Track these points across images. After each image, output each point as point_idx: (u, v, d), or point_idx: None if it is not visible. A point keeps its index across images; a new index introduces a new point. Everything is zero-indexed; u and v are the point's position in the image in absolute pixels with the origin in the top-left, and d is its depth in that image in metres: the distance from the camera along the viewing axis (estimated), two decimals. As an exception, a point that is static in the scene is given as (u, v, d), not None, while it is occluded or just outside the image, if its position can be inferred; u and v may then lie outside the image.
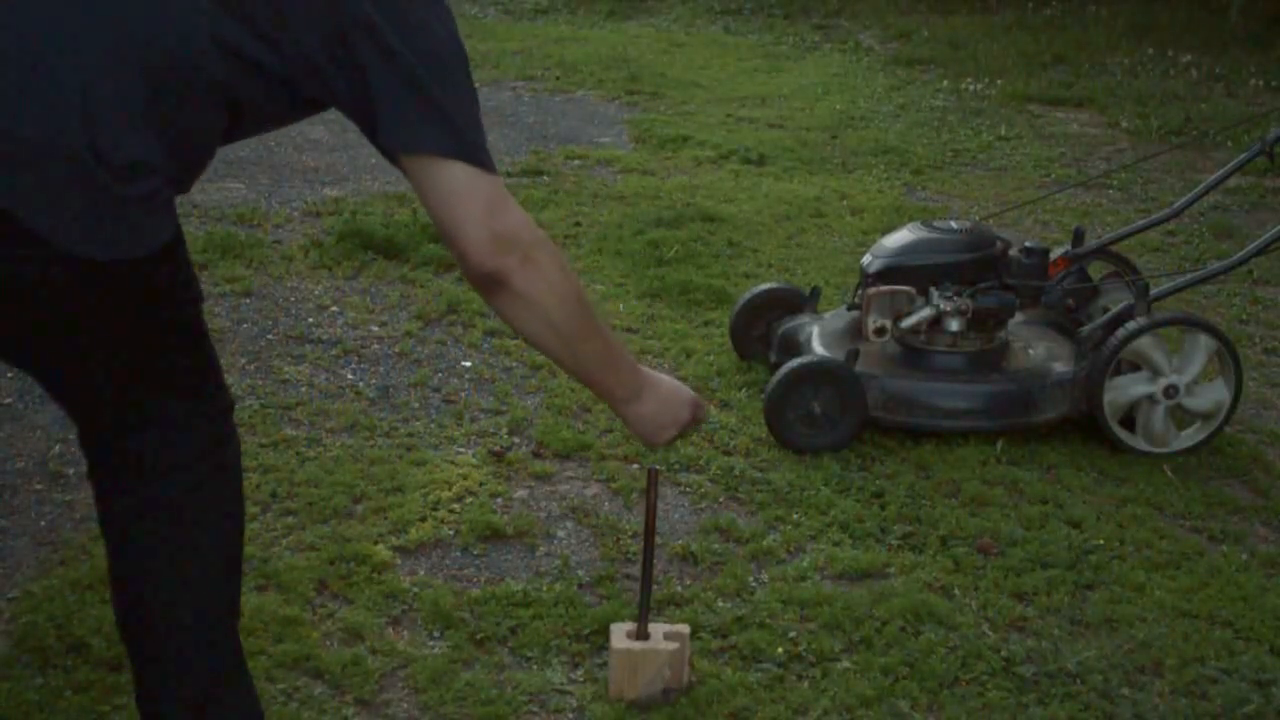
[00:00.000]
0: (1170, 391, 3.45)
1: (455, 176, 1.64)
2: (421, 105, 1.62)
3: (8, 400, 3.45)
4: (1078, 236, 3.80)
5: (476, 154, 1.66)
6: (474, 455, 3.31)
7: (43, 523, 2.90)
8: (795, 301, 3.90)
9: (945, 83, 8.65)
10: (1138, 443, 3.48)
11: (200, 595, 1.88)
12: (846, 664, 2.52)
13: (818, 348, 3.60)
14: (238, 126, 1.72)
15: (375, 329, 4.07)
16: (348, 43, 1.61)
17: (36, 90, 1.48)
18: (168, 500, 1.82)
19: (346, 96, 1.65)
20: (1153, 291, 3.59)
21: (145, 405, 1.77)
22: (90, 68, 1.50)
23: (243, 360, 3.77)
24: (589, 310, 1.80)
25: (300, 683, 2.40)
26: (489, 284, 1.69)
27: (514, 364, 3.87)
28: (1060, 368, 3.53)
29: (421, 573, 2.79)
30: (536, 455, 3.33)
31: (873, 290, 3.53)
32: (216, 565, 1.89)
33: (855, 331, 3.65)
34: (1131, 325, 3.44)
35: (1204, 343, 3.48)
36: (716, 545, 2.94)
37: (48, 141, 1.48)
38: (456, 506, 3.05)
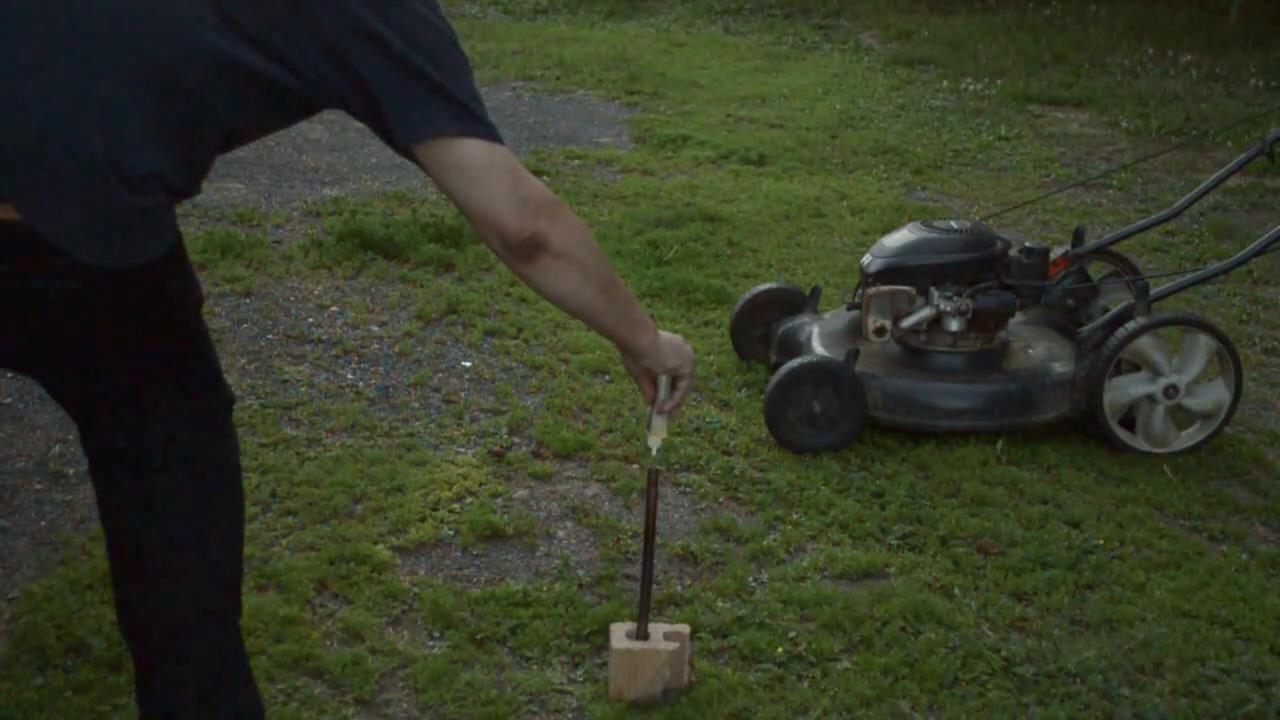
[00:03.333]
0: (1170, 391, 3.45)
1: (473, 153, 1.66)
2: (427, 92, 1.64)
3: (8, 400, 3.45)
4: (1078, 236, 3.80)
5: (486, 128, 1.68)
6: (474, 455, 3.31)
7: (43, 523, 2.90)
8: (795, 301, 3.90)
9: (945, 83, 8.65)
10: (1138, 443, 3.48)
11: (201, 591, 1.88)
12: (846, 664, 2.53)
13: (818, 348, 3.60)
14: (242, 135, 1.72)
15: (375, 329, 4.07)
16: (345, 47, 1.62)
17: (57, 107, 1.49)
18: (168, 496, 1.82)
19: (355, 101, 1.66)
20: (1153, 291, 3.59)
21: (147, 404, 1.78)
22: (107, 83, 1.52)
23: (243, 360, 3.77)
24: (606, 259, 1.85)
25: (300, 683, 2.40)
26: (530, 250, 1.70)
27: (514, 364, 3.88)
28: (1060, 368, 3.53)
29: (421, 573, 2.79)
30: (536, 455, 3.33)
31: (873, 290, 3.53)
32: (217, 561, 1.89)
33: (855, 331, 3.65)
34: (1131, 325, 3.44)
35: (1204, 343, 3.48)
36: (716, 545, 2.94)
37: (69, 157, 1.49)
38: (456, 506, 3.06)
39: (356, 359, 3.86)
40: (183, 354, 1.80)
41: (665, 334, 2.06)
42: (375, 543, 2.87)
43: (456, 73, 1.67)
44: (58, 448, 3.21)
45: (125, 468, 1.83)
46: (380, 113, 1.65)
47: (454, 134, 1.65)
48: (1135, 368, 3.50)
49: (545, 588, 2.74)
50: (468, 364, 3.87)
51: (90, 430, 1.85)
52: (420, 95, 1.64)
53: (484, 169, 1.66)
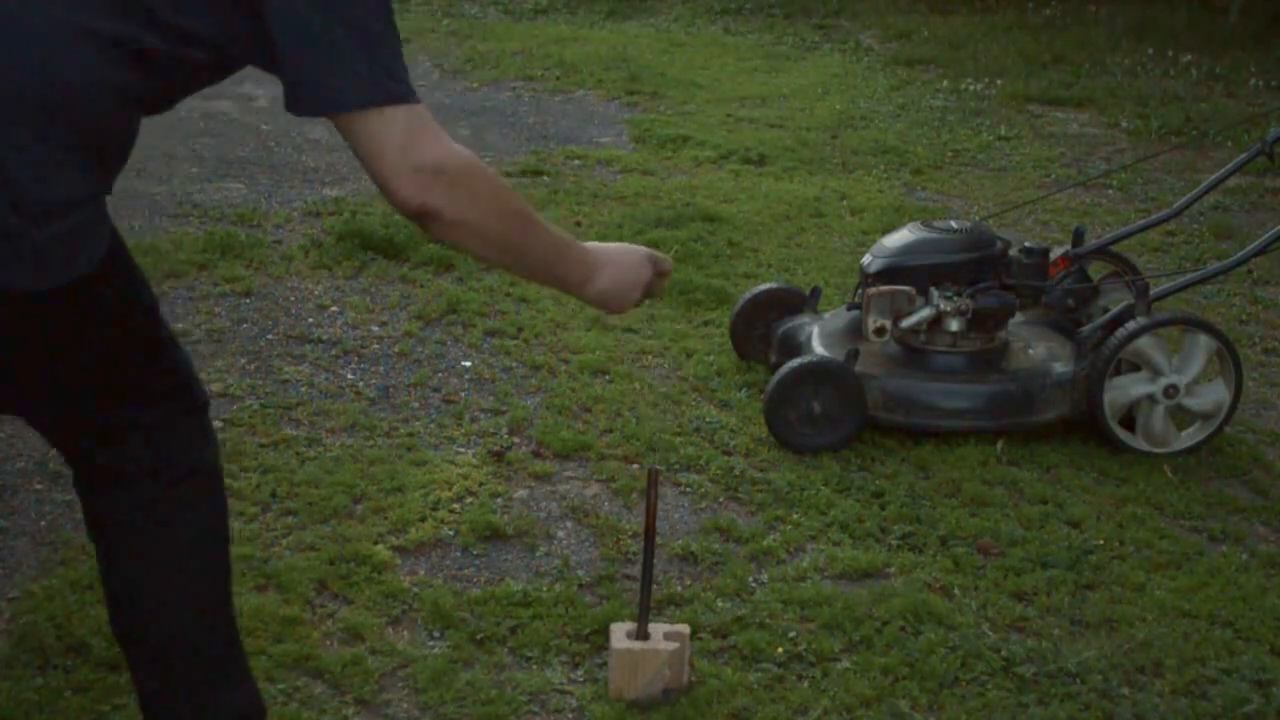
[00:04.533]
0: (1170, 391, 3.45)
1: (370, 119, 1.57)
2: (329, 54, 1.56)
3: (8, 400, 3.45)
4: (1078, 236, 3.80)
5: (387, 87, 1.57)
6: (474, 455, 3.31)
7: (43, 523, 2.90)
8: (795, 301, 3.90)
9: (945, 83, 8.64)
10: (1138, 443, 3.48)
11: (192, 592, 1.88)
12: (846, 664, 2.53)
13: (818, 348, 3.60)
14: (162, 103, 1.64)
15: (375, 329, 4.07)
16: (248, 7, 1.55)
17: None
18: (151, 504, 1.81)
19: (261, 58, 1.59)
20: (1153, 291, 3.59)
21: (115, 418, 1.75)
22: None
23: (243, 360, 3.77)
24: (528, 218, 1.72)
25: (300, 683, 2.40)
26: (420, 218, 1.63)
27: (514, 364, 3.88)
28: (1060, 368, 3.53)
29: (421, 573, 2.79)
30: (536, 455, 3.33)
31: (873, 290, 3.53)
32: (201, 564, 1.89)
33: (855, 331, 3.65)
34: (1131, 325, 3.44)
35: (1204, 343, 3.48)
36: (716, 545, 2.94)
37: None
38: (456, 506, 3.06)
39: (356, 359, 3.86)
40: (138, 363, 1.75)
41: (619, 258, 1.89)
42: (375, 543, 2.87)
43: (365, 32, 1.57)
44: (58, 448, 3.22)
45: (106, 480, 1.80)
46: (284, 73, 1.58)
47: (355, 99, 1.56)
48: (1135, 368, 3.50)
49: (545, 588, 2.74)
50: (468, 364, 3.87)
51: (63, 448, 1.83)
52: (324, 58, 1.56)
53: (376, 133, 1.58)
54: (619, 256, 1.88)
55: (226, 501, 1.93)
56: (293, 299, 4.26)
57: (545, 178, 5.98)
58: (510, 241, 1.70)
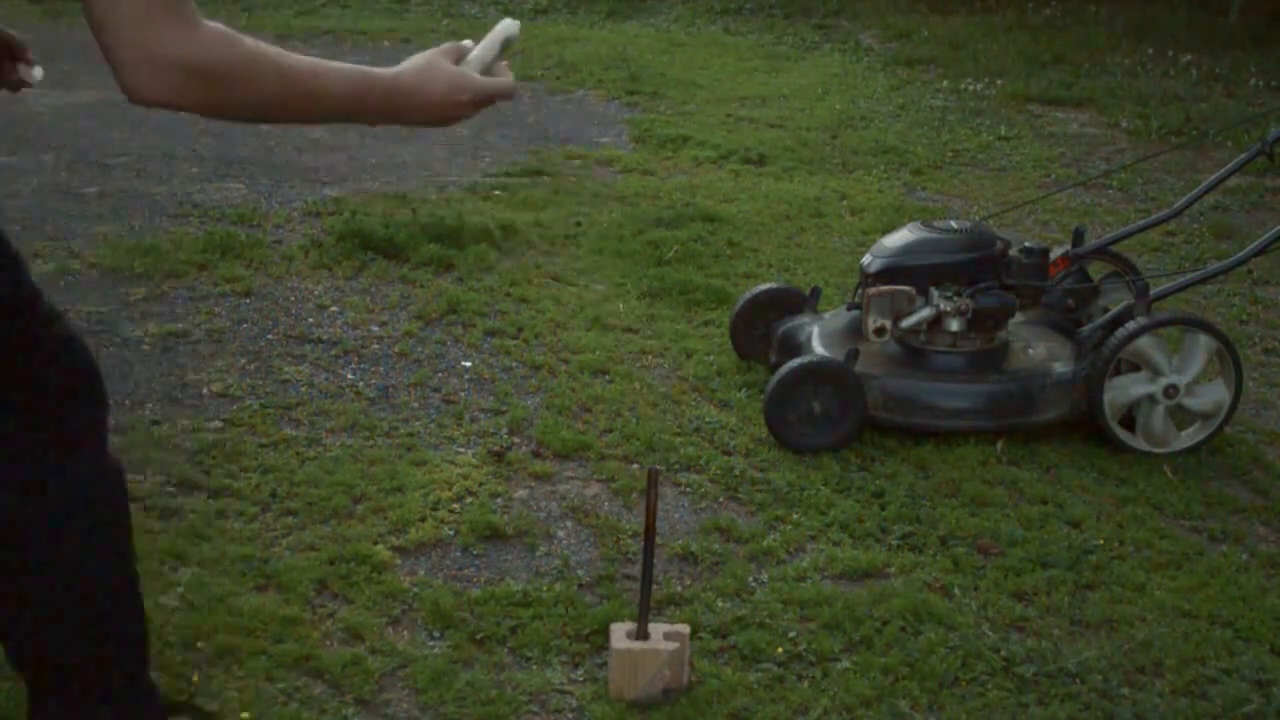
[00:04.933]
0: (1170, 391, 3.45)
1: None
2: None
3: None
4: (1078, 236, 3.80)
5: None
6: (474, 455, 3.31)
7: (43, 523, 2.89)
8: (795, 301, 3.90)
9: (945, 83, 8.64)
10: (1138, 443, 3.48)
11: (104, 608, 1.80)
12: (846, 664, 2.53)
13: (818, 348, 3.60)
14: None
15: (375, 329, 4.07)
16: None
17: None
18: (35, 562, 1.68)
19: None
20: (1153, 291, 3.59)
21: None
22: None
23: (243, 360, 3.77)
24: (300, 95, 1.47)
25: (300, 683, 2.40)
26: (160, 106, 1.39)
27: (514, 364, 3.88)
28: (1060, 368, 3.53)
29: (421, 573, 2.79)
30: (536, 455, 3.33)
31: (873, 290, 3.53)
32: (109, 582, 1.79)
33: (855, 331, 3.65)
34: (1131, 325, 3.44)
35: (1204, 343, 3.48)
36: (716, 545, 2.94)
37: None
38: (456, 506, 3.06)
39: (356, 359, 3.86)
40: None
41: (422, 108, 1.64)
42: (375, 543, 2.87)
43: None
44: (58, 448, 3.21)
45: None
46: None
47: None
48: (1135, 368, 3.50)
49: (545, 588, 2.74)
50: (468, 364, 3.87)
51: None
52: None
53: (109, 9, 1.33)
54: (432, 97, 1.65)
55: (111, 508, 1.78)
56: (293, 299, 4.26)
57: (545, 178, 5.98)
58: (277, 119, 1.51)
